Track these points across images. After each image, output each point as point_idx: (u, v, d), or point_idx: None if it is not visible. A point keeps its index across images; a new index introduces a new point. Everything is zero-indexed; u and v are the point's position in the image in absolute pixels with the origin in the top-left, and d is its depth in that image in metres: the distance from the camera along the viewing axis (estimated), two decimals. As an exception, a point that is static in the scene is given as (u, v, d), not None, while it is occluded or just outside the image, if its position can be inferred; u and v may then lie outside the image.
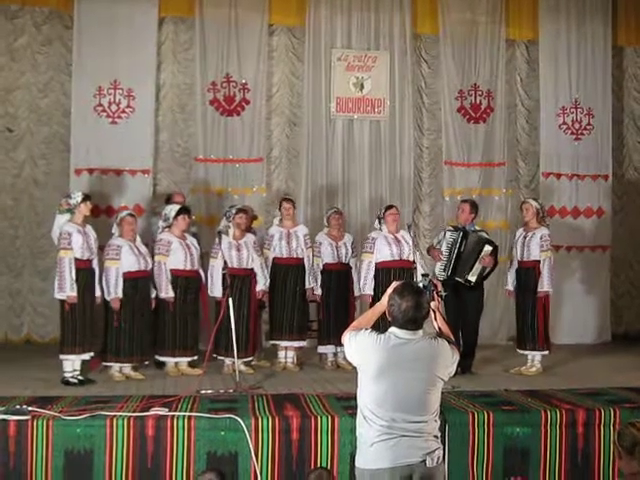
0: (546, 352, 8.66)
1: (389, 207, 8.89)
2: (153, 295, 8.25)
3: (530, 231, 8.67)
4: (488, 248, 8.41)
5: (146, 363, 8.31)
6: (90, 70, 10.27)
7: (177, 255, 8.29)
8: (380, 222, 8.79)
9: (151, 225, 9.60)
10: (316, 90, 10.94)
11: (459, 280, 8.39)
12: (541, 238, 8.60)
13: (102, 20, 10.18)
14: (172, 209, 8.46)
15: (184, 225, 8.43)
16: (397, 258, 8.60)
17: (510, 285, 8.82)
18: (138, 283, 8.08)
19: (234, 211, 8.57)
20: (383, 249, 8.63)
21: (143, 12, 10.39)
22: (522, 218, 8.93)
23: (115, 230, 8.15)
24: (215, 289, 8.35)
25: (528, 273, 8.62)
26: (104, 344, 8.02)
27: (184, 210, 8.48)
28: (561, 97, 11.47)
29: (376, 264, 8.63)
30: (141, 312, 8.11)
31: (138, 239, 8.24)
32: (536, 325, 8.55)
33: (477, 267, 8.38)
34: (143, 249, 8.23)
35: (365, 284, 8.62)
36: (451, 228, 8.80)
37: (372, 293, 8.49)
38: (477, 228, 8.80)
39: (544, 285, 8.55)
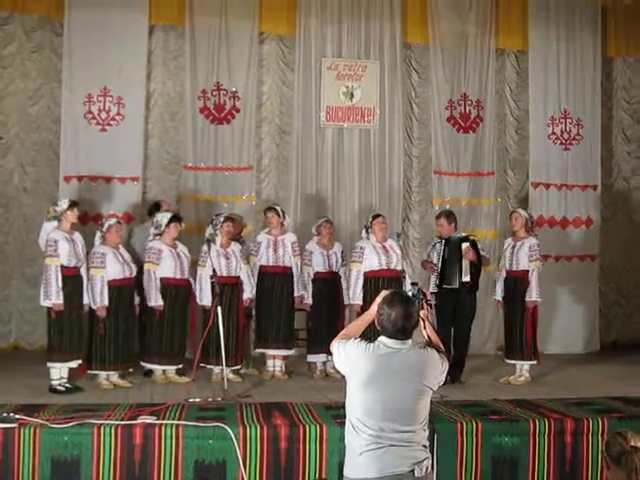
0: (534, 362, 8.67)
1: (376, 216, 8.89)
2: (137, 302, 8.25)
3: (519, 241, 8.69)
4: (465, 244, 8.44)
5: (130, 370, 8.27)
6: (80, 77, 10.23)
7: (167, 263, 8.28)
8: (367, 231, 8.79)
9: (141, 232, 9.53)
10: (306, 99, 10.93)
11: (453, 287, 8.41)
12: (530, 248, 8.60)
13: (92, 27, 10.14)
14: (164, 216, 8.44)
15: (175, 233, 8.42)
16: (385, 267, 8.61)
17: (499, 295, 8.83)
18: (123, 291, 8.06)
19: (222, 219, 8.55)
20: (371, 258, 8.63)
21: (133, 20, 10.36)
22: (511, 228, 8.94)
23: (99, 238, 8.11)
24: (204, 297, 8.33)
25: (517, 283, 8.63)
26: (88, 352, 7.98)
27: (176, 218, 8.47)
28: (550, 107, 11.50)
29: (365, 273, 8.63)
30: (126, 320, 8.11)
31: (121, 247, 8.22)
32: (524, 335, 8.55)
33: (465, 264, 8.41)
34: (127, 256, 8.21)
35: (355, 293, 8.63)
36: (438, 240, 8.78)
37: (362, 302, 8.48)
38: (462, 234, 8.82)
39: (532, 295, 8.56)
